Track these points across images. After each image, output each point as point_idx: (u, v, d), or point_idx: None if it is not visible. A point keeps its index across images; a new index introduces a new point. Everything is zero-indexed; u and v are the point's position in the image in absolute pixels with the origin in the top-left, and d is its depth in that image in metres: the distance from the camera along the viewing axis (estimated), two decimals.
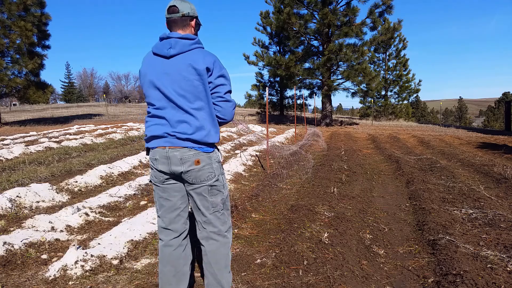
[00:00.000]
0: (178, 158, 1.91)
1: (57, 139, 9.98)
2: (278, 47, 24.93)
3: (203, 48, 2.00)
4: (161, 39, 1.98)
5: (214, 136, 1.97)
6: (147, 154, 2.05)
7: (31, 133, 12.19)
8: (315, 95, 20.85)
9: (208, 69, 1.91)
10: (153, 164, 1.98)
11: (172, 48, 1.92)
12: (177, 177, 1.98)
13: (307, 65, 19.18)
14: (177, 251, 2.08)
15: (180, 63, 1.90)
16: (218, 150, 2.07)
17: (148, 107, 2.03)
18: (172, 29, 1.99)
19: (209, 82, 1.94)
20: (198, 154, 1.93)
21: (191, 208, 2.23)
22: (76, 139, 9.79)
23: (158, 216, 2.08)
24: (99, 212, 3.96)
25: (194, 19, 2.03)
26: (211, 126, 1.96)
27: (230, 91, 2.03)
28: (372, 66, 28.37)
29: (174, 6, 1.96)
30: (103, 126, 14.59)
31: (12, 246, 2.91)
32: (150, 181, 2.08)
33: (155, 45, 2.00)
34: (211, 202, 2.01)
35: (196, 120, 1.91)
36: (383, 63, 29.95)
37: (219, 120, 2.02)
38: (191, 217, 2.16)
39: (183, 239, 2.11)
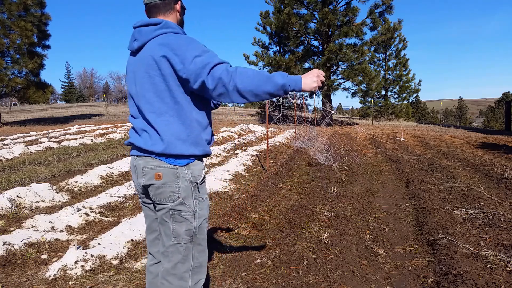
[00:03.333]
0: (141, 168, 1.57)
1: (57, 139, 9.98)
2: (278, 47, 24.90)
3: (175, 33, 1.55)
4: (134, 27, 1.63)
5: (180, 147, 1.52)
6: None
7: (31, 133, 12.19)
8: (315, 95, 20.85)
9: (166, 58, 1.46)
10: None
11: (136, 40, 1.58)
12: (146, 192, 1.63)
13: (307, 65, 19.19)
14: (156, 280, 1.69)
15: (142, 56, 1.55)
16: (202, 164, 1.64)
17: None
18: (152, 15, 1.62)
19: (179, 76, 1.47)
20: (161, 167, 1.53)
21: None
22: (76, 139, 9.79)
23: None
24: (99, 212, 3.96)
25: (179, 1, 1.66)
26: (181, 132, 1.52)
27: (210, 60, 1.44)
28: (372, 66, 28.35)
29: None
30: (103, 126, 14.59)
31: (12, 246, 2.91)
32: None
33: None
34: (172, 230, 1.56)
35: (155, 128, 1.52)
36: (383, 63, 29.95)
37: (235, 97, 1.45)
38: None
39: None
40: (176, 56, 1.45)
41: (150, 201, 1.66)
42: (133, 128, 1.65)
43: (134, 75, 1.59)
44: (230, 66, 1.47)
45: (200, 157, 1.62)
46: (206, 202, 1.66)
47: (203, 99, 1.59)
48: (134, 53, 1.61)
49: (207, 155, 1.64)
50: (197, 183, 1.59)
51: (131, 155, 1.66)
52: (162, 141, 1.51)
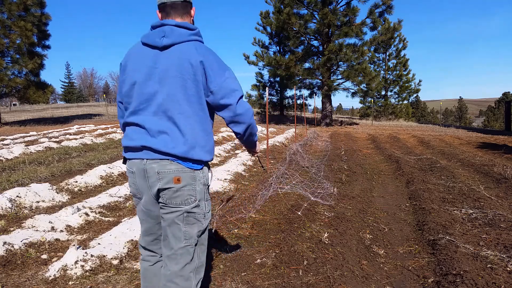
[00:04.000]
0: (155, 171, 1.55)
1: (57, 139, 9.98)
2: (278, 47, 24.92)
3: (203, 43, 1.65)
4: (153, 27, 1.62)
5: (200, 152, 1.58)
6: (124, 163, 1.72)
7: (31, 133, 12.19)
8: (315, 95, 20.86)
9: (203, 66, 1.53)
10: (130, 177, 1.67)
11: (166, 37, 1.56)
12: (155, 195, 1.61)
13: (307, 65, 19.18)
14: (155, 267, 1.77)
15: (174, 56, 1.55)
16: (209, 169, 1.70)
17: (124, 110, 1.69)
18: (168, 16, 1.63)
19: (208, 86, 1.56)
20: (179, 170, 1.55)
21: None
22: (76, 139, 9.79)
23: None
24: (99, 212, 3.96)
25: (194, 7, 1.71)
26: (202, 137, 1.59)
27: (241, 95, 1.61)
28: (372, 66, 28.36)
29: None
30: (103, 126, 14.59)
31: (12, 246, 2.91)
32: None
33: (144, 34, 1.64)
34: (184, 232, 1.58)
35: (179, 129, 1.54)
36: (383, 63, 29.95)
37: (237, 130, 1.65)
38: None
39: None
40: (211, 68, 1.54)
41: (154, 206, 1.65)
42: (138, 127, 1.59)
43: (159, 71, 1.55)
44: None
45: (209, 162, 1.69)
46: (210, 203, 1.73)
47: (213, 110, 1.67)
48: (158, 48, 1.57)
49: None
50: (208, 186, 1.66)
51: (138, 158, 1.59)
52: (184, 145, 1.54)
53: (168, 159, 1.54)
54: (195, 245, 1.61)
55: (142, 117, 1.58)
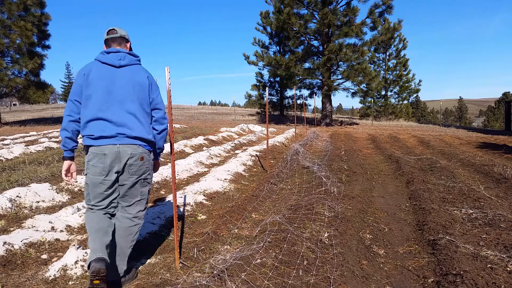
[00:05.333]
0: (128, 153, 2.34)
1: (57, 139, 9.98)
2: (278, 47, 24.93)
3: (141, 65, 2.56)
4: (108, 52, 2.42)
5: (152, 138, 2.50)
6: (86, 152, 2.37)
7: (31, 133, 12.19)
8: (315, 95, 20.86)
9: (149, 84, 2.48)
10: (99, 159, 2.30)
11: (122, 60, 2.41)
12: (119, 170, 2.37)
13: (307, 65, 19.18)
14: (100, 214, 2.41)
15: (127, 73, 2.41)
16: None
17: (82, 112, 2.32)
18: (111, 46, 2.48)
19: (151, 99, 2.49)
20: (143, 152, 2.43)
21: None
22: None
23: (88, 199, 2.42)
24: None
25: (129, 43, 2.57)
26: (151, 130, 2.48)
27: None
28: (372, 66, 28.38)
29: (113, 29, 2.51)
30: None
31: (12, 246, 2.91)
32: (86, 174, 2.38)
33: (103, 56, 2.41)
34: (141, 191, 2.50)
35: (141, 123, 2.39)
36: (383, 63, 29.95)
37: (158, 129, 2.53)
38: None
39: (108, 212, 2.45)
40: (153, 86, 2.51)
41: (114, 178, 2.36)
42: (106, 122, 2.33)
43: (117, 82, 2.38)
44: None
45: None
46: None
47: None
48: (115, 67, 2.40)
49: None
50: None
51: (109, 144, 2.35)
52: (144, 129, 2.49)
53: (136, 144, 2.39)
54: (145, 198, 2.56)
55: (107, 113, 2.38)
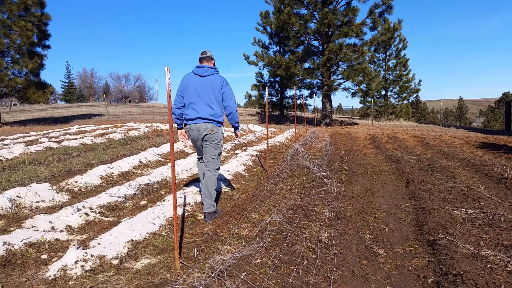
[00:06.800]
0: (203, 128, 3.77)
1: (57, 139, 9.98)
2: (278, 47, 24.92)
3: (219, 74, 3.92)
4: (198, 67, 3.85)
5: (222, 118, 3.89)
6: (184, 127, 3.93)
7: (31, 133, 12.19)
8: (315, 95, 20.85)
9: (222, 85, 3.86)
10: (191, 131, 3.84)
11: (206, 72, 3.82)
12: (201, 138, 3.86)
13: (307, 65, 19.16)
14: (202, 163, 4.10)
15: (208, 80, 3.81)
16: (223, 126, 3.97)
17: (184, 103, 3.83)
18: (203, 62, 3.89)
19: (222, 93, 3.86)
20: (213, 126, 3.81)
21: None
22: (76, 139, 9.80)
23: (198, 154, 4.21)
24: (99, 212, 3.96)
25: (213, 60, 3.96)
26: (221, 114, 3.88)
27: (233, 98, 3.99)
28: (372, 66, 28.37)
29: (205, 51, 3.91)
30: (103, 126, 14.59)
31: (12, 246, 2.91)
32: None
33: (196, 69, 3.84)
34: (213, 152, 3.89)
35: (213, 110, 3.79)
36: (383, 63, 29.94)
37: (227, 112, 3.95)
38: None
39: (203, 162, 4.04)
40: (223, 85, 3.88)
41: (200, 142, 3.89)
42: (195, 111, 3.80)
43: (202, 86, 3.79)
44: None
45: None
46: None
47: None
48: (201, 76, 3.81)
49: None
50: (223, 133, 3.99)
51: (194, 124, 3.84)
52: (217, 114, 3.90)
53: (209, 122, 3.81)
54: (218, 158, 3.94)
55: (196, 105, 3.82)
